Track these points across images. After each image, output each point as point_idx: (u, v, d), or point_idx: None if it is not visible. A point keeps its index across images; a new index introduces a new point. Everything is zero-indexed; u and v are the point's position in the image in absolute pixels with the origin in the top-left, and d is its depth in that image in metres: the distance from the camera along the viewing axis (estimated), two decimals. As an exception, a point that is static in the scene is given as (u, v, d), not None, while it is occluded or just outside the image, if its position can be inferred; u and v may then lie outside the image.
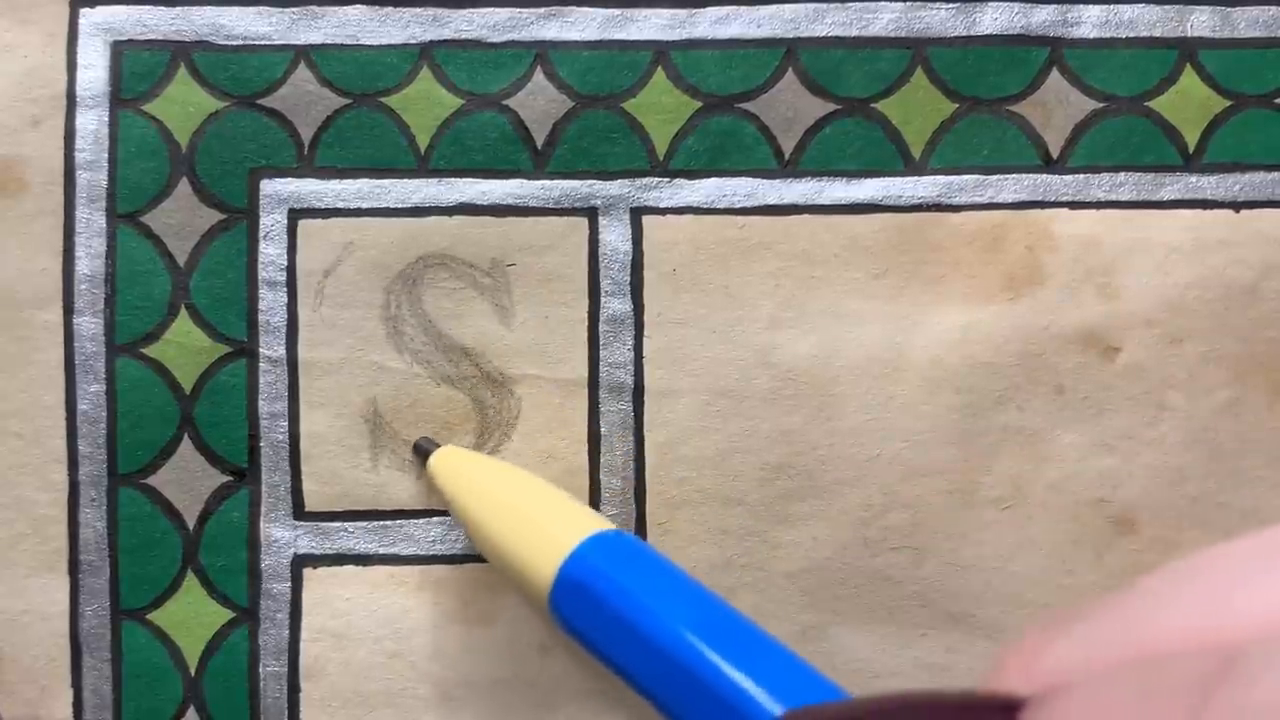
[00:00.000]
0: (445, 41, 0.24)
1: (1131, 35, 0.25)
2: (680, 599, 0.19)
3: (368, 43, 0.24)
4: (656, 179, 0.24)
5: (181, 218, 0.24)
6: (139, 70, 0.24)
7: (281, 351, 0.24)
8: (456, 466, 0.23)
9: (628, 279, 0.24)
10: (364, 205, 0.24)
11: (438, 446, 0.24)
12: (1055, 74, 0.25)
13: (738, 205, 0.24)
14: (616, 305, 0.24)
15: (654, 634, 0.19)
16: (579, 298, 0.24)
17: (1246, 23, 0.25)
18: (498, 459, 0.24)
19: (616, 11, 0.24)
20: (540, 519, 0.21)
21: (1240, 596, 0.11)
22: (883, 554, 0.24)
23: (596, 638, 0.20)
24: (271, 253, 0.24)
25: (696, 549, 0.24)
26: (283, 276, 0.24)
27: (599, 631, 0.20)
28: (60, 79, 0.24)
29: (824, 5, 0.25)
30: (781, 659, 0.18)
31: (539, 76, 0.24)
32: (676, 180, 0.24)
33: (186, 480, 0.24)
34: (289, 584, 0.24)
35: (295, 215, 0.24)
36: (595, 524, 0.21)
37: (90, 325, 0.24)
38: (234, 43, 0.24)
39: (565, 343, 0.24)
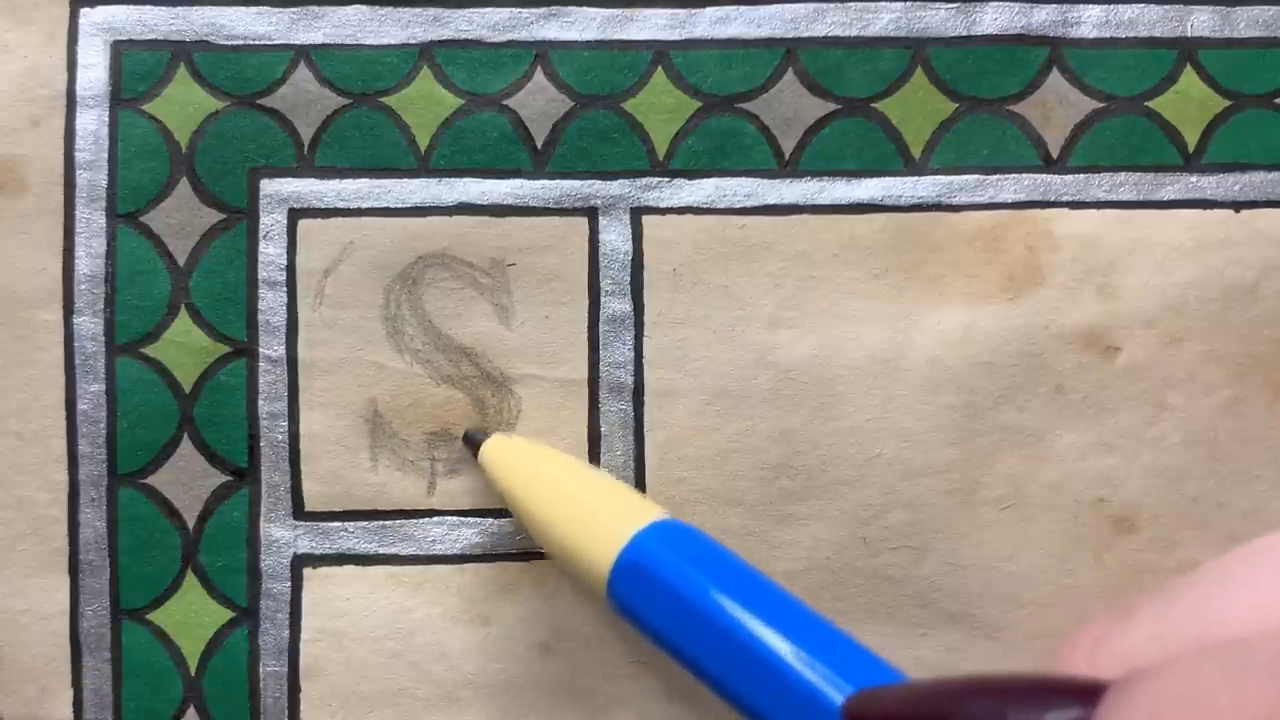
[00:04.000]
0: (445, 41, 0.24)
1: (1131, 35, 0.25)
2: (741, 583, 0.20)
3: (368, 43, 0.24)
4: (656, 179, 0.24)
5: (181, 217, 0.24)
6: (139, 70, 0.24)
7: (281, 351, 0.24)
8: (509, 455, 0.23)
9: (628, 279, 0.24)
10: (364, 205, 0.24)
11: (486, 436, 0.24)
12: (1055, 74, 0.25)
13: (738, 205, 0.24)
14: (616, 305, 0.24)
15: (717, 617, 0.19)
16: (579, 298, 0.24)
17: (1246, 23, 0.25)
18: (549, 446, 0.24)
19: (616, 11, 0.24)
20: (598, 506, 0.22)
21: None
22: (883, 554, 0.24)
23: (657, 622, 0.20)
24: (271, 252, 0.24)
25: (696, 549, 0.24)
26: (283, 276, 0.24)
27: (660, 616, 0.20)
28: (60, 79, 0.24)
29: (824, 5, 0.25)
30: (843, 643, 0.19)
31: (539, 76, 0.24)
32: (676, 180, 0.24)
33: (186, 480, 0.24)
34: (289, 584, 0.24)
35: (295, 215, 0.24)
36: (653, 511, 0.21)
37: (90, 325, 0.24)
38: (234, 43, 0.24)
39: (565, 343, 0.24)
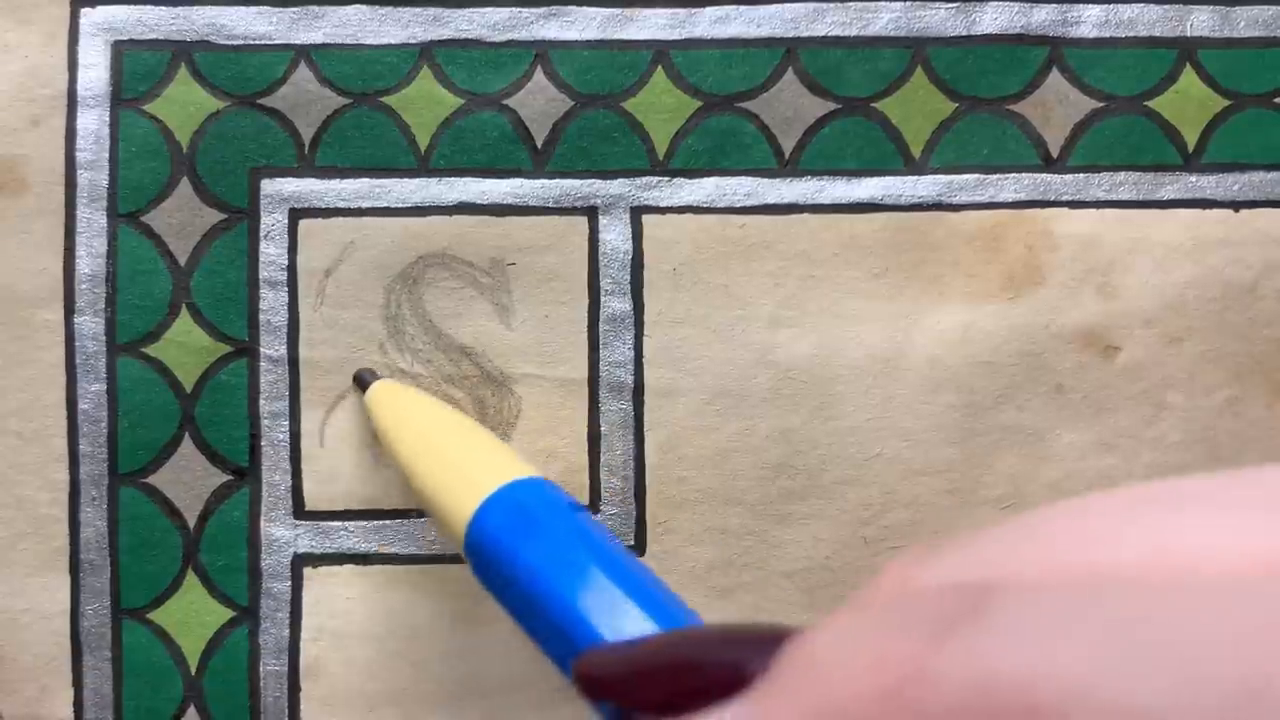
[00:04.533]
0: (445, 41, 0.24)
1: (1131, 35, 0.25)
2: (562, 552, 0.19)
3: (368, 42, 0.24)
4: (656, 178, 0.24)
5: (182, 217, 0.24)
6: (139, 70, 0.24)
7: (282, 351, 0.24)
8: (392, 400, 0.23)
9: (628, 278, 0.24)
10: (364, 205, 0.24)
11: (378, 378, 0.24)
12: (1055, 73, 0.25)
13: (738, 205, 0.24)
14: (616, 304, 0.24)
15: (531, 587, 0.19)
16: (579, 297, 0.24)
17: (1246, 23, 0.25)
18: (434, 399, 0.24)
19: (616, 11, 0.24)
20: (460, 465, 0.21)
21: (1105, 540, 0.11)
22: (883, 553, 0.24)
23: (497, 591, 0.20)
24: (272, 252, 0.24)
25: (696, 549, 0.24)
26: (283, 276, 0.24)
27: (495, 587, 0.20)
28: (61, 79, 0.24)
29: (824, 5, 0.25)
30: (645, 599, 0.18)
31: (539, 76, 0.24)
32: (676, 180, 0.24)
33: (187, 479, 0.24)
34: (289, 583, 0.24)
35: (296, 215, 0.24)
36: (508, 473, 0.21)
37: (91, 324, 0.24)
38: (234, 42, 0.24)
39: (565, 342, 0.24)
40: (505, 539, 0.20)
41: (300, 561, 0.24)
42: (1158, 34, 0.25)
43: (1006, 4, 0.25)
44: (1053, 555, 0.11)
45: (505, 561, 0.20)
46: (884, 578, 0.12)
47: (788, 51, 0.25)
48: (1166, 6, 0.25)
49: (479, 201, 0.24)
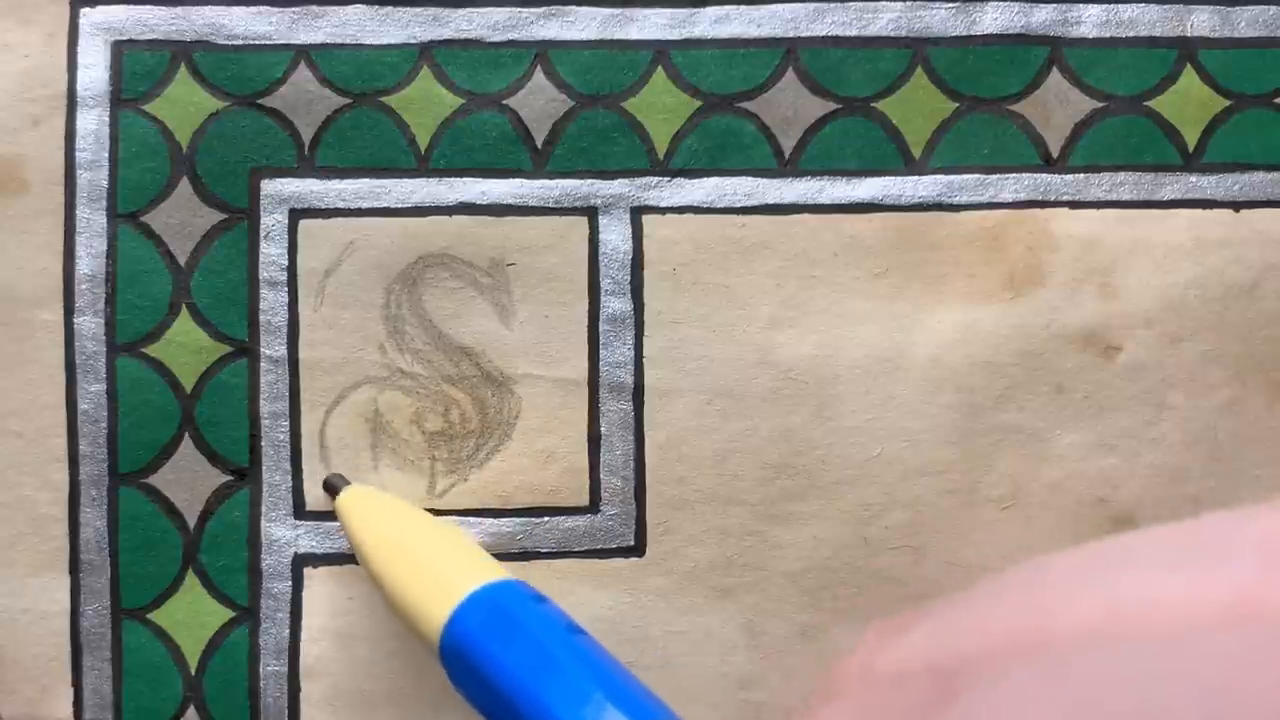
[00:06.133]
0: (445, 41, 0.24)
1: (1131, 35, 0.25)
2: (538, 654, 0.20)
3: (368, 42, 0.24)
4: (657, 178, 0.24)
5: (182, 217, 0.24)
6: (139, 70, 0.24)
7: (282, 351, 0.24)
8: (362, 507, 0.23)
9: (628, 278, 0.24)
10: (364, 205, 0.24)
11: (347, 484, 0.24)
12: (1055, 73, 0.25)
13: (738, 204, 0.24)
14: (616, 305, 0.24)
15: (508, 691, 0.19)
16: (579, 297, 0.24)
17: (1246, 22, 0.25)
18: (405, 502, 0.24)
19: (616, 11, 0.24)
20: (432, 570, 0.22)
21: (1060, 604, 0.11)
22: (883, 554, 0.24)
23: (472, 698, 0.20)
24: (272, 252, 0.24)
25: (696, 549, 0.24)
26: (283, 276, 0.24)
27: (473, 694, 0.20)
28: (60, 79, 0.24)
29: (824, 5, 0.25)
30: (624, 700, 0.19)
31: (539, 76, 0.24)
32: (677, 180, 0.24)
33: (187, 480, 0.24)
34: (289, 583, 0.24)
35: (296, 215, 0.24)
36: (481, 576, 0.21)
37: (91, 325, 0.24)
38: (234, 42, 0.24)
39: (565, 342, 0.24)
40: (480, 643, 0.20)
41: (301, 561, 0.24)
42: (1158, 34, 0.25)
43: (1006, 4, 0.25)
44: (1013, 626, 0.11)
45: (481, 666, 0.20)
46: (848, 662, 0.12)
47: (788, 51, 0.25)
48: (1166, 6, 0.25)
49: (479, 202, 0.24)
